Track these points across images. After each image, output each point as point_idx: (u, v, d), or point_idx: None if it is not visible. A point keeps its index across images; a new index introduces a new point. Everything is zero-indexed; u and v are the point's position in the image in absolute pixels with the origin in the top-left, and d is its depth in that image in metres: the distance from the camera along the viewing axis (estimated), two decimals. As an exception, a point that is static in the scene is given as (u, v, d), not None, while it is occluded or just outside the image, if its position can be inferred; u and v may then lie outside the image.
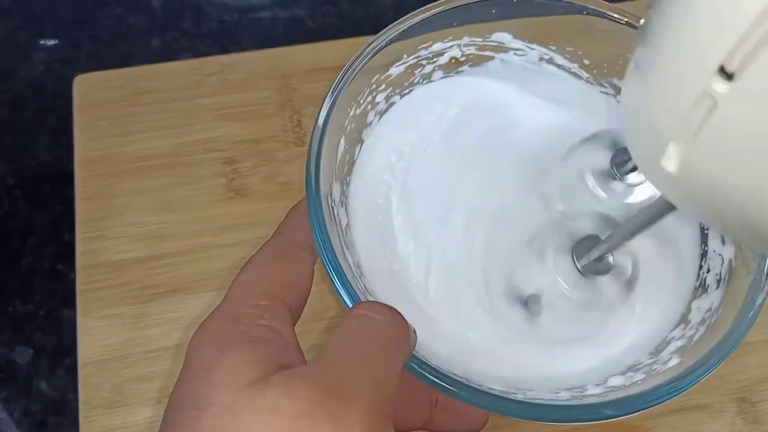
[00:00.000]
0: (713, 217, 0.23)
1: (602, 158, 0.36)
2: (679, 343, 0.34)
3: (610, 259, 0.35)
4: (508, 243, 0.36)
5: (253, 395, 0.22)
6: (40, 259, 0.47)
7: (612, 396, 0.32)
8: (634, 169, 0.35)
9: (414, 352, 0.29)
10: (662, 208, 0.28)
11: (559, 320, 0.35)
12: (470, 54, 0.40)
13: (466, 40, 0.39)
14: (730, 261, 0.35)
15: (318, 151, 0.32)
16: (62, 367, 0.44)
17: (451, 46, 0.39)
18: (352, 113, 0.36)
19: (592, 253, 0.34)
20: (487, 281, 0.36)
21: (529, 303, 0.35)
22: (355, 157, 0.37)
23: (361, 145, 0.38)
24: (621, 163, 0.35)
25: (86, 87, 0.48)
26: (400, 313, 0.27)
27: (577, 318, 0.35)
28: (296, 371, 0.23)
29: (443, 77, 0.40)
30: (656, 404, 0.30)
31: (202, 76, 0.48)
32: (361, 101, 0.37)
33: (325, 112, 0.33)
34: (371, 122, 0.38)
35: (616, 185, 0.35)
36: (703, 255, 0.37)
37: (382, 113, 0.38)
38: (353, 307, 0.26)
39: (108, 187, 0.45)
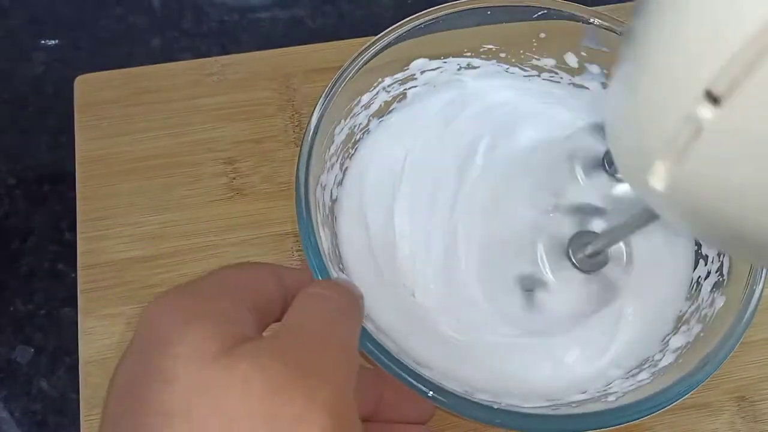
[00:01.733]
0: (700, 232, 0.22)
1: (594, 151, 0.36)
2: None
3: (606, 253, 0.35)
4: (501, 237, 0.37)
5: (223, 369, 0.21)
6: (40, 259, 0.47)
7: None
8: None
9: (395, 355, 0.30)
10: (655, 213, 0.27)
11: (557, 315, 0.35)
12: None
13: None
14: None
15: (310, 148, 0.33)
16: (63, 366, 0.44)
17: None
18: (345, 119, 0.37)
19: (588, 249, 0.34)
20: (481, 276, 0.36)
21: (528, 297, 0.36)
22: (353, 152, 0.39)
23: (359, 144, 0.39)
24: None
25: (86, 87, 0.48)
26: (348, 287, 0.27)
27: (575, 311, 0.36)
28: (263, 344, 0.22)
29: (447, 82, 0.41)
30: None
31: (202, 76, 0.48)
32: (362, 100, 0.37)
33: (319, 113, 0.34)
34: (370, 123, 0.39)
35: (606, 179, 0.36)
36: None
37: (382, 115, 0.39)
38: (306, 288, 0.26)
39: (108, 187, 0.45)
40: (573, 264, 0.35)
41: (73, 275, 0.43)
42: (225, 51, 0.53)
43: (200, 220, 0.44)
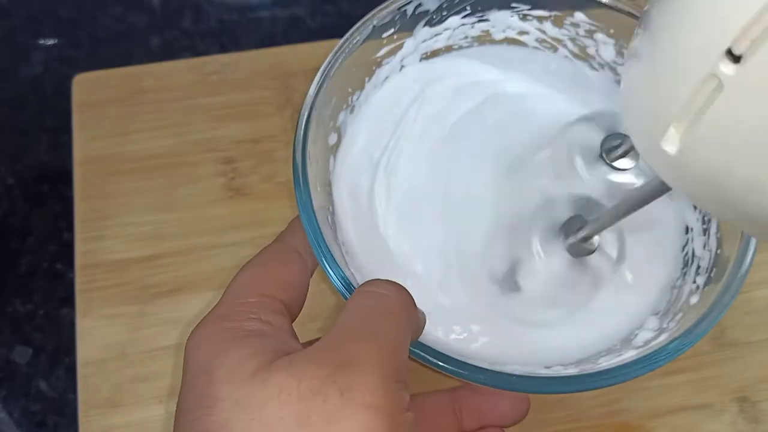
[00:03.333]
0: (710, 202, 0.23)
1: (593, 140, 0.36)
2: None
3: (596, 240, 0.34)
4: (489, 225, 0.37)
5: (259, 384, 0.22)
6: (39, 259, 0.46)
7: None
8: (624, 155, 0.35)
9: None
10: (654, 191, 0.28)
11: (540, 300, 0.35)
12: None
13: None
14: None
15: (304, 138, 0.33)
16: (61, 366, 0.44)
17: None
18: (335, 101, 0.37)
19: (580, 233, 0.34)
20: (467, 263, 0.36)
21: (511, 282, 0.35)
22: (339, 142, 0.38)
23: (345, 130, 0.38)
24: (611, 148, 0.35)
25: (85, 86, 0.47)
26: (404, 288, 0.27)
27: (558, 299, 0.35)
28: (297, 355, 0.23)
29: (423, 59, 0.40)
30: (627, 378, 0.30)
31: (202, 76, 0.48)
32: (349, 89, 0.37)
33: (312, 98, 0.34)
34: (354, 105, 0.39)
35: (604, 169, 0.35)
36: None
37: (367, 95, 0.39)
38: (359, 286, 0.27)
39: (107, 186, 0.45)
40: (564, 248, 0.34)
41: (72, 275, 0.43)
42: (224, 50, 0.53)
43: (199, 220, 0.44)
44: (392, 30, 0.38)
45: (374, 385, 0.22)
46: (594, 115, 0.36)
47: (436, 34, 0.39)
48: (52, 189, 0.49)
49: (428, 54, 0.40)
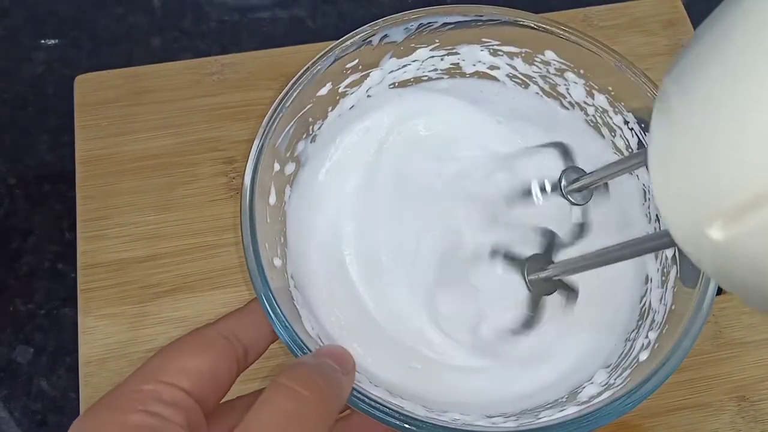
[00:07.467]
0: (754, 292, 0.21)
1: (552, 169, 0.35)
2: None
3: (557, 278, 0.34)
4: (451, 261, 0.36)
5: None
6: (40, 259, 0.47)
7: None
8: (580, 190, 0.34)
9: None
10: (661, 243, 0.26)
11: (503, 336, 0.35)
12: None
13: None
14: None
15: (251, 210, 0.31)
16: (63, 366, 0.44)
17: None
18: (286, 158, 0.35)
19: (543, 273, 0.32)
20: (433, 302, 0.35)
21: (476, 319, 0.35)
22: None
23: (305, 160, 0.37)
24: (571, 181, 0.34)
25: (87, 87, 0.48)
26: (328, 379, 0.25)
27: (520, 335, 0.35)
28: None
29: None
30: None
31: (202, 76, 0.48)
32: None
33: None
34: (316, 134, 0.38)
35: (558, 201, 0.35)
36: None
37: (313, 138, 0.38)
38: (279, 375, 0.24)
39: (108, 186, 0.45)
40: (525, 284, 0.33)
41: (73, 275, 0.43)
42: (225, 51, 0.53)
43: (200, 220, 0.44)
44: (356, 61, 0.37)
45: None
46: (557, 144, 0.36)
47: (404, 65, 0.38)
48: (53, 189, 0.49)
49: (396, 84, 0.39)
